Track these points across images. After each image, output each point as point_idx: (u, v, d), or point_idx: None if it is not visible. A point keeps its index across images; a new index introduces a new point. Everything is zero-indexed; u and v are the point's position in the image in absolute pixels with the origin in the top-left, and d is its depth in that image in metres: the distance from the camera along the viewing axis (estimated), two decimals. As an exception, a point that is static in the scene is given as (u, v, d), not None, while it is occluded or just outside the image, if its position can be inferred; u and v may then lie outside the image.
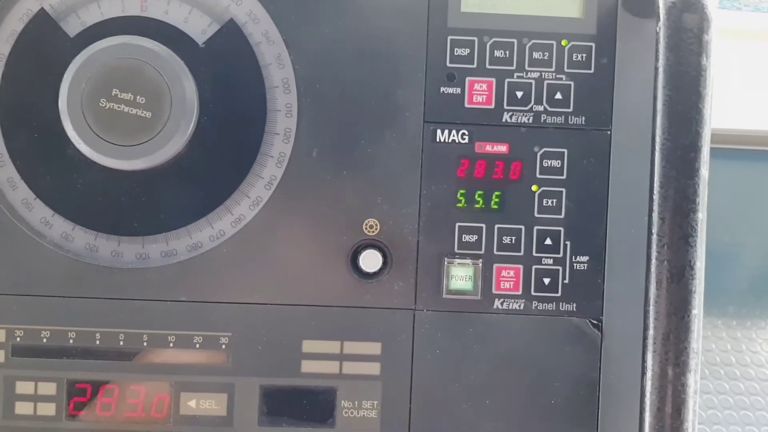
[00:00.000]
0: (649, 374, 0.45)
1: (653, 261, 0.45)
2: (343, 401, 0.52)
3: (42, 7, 0.51)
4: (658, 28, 0.45)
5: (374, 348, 0.52)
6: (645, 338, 0.45)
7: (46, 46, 0.51)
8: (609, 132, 0.52)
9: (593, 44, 0.52)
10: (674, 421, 0.44)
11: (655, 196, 0.45)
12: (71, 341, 0.51)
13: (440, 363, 0.52)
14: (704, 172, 0.45)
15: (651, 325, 0.45)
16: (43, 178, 0.51)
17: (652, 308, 0.45)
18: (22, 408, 0.51)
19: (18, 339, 0.51)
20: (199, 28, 0.51)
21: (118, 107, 0.48)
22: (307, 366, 0.52)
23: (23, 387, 0.51)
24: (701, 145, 0.44)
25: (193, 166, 0.51)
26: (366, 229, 0.52)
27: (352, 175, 0.52)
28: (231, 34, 0.51)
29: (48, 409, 0.51)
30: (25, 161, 0.51)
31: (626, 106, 0.52)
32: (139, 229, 0.52)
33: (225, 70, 0.51)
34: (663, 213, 0.45)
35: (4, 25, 0.52)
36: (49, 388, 0.51)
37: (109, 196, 0.51)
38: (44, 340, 0.51)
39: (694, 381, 0.45)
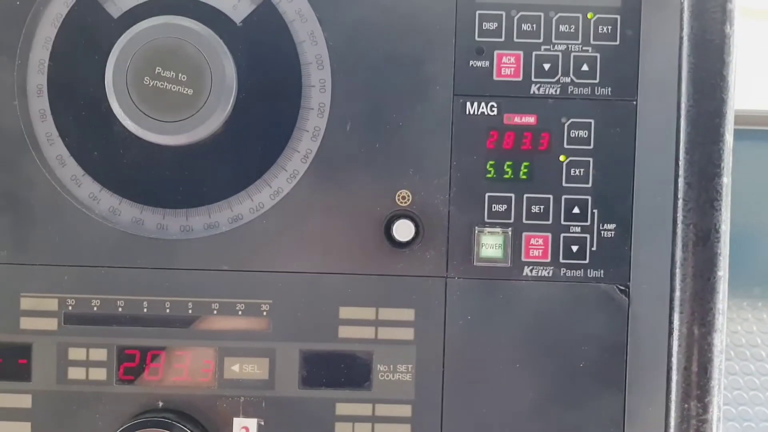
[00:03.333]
0: (675, 335, 0.46)
1: (679, 225, 0.46)
2: (378, 365, 0.54)
3: None
4: (682, -2, 0.47)
5: (408, 314, 0.54)
6: (672, 300, 0.47)
7: (90, 28, 0.53)
8: (635, 102, 0.53)
9: (618, 16, 0.53)
10: (701, 379, 0.46)
11: (681, 162, 0.46)
12: (120, 309, 0.54)
13: (472, 328, 0.54)
14: (729, 137, 0.46)
15: (678, 287, 0.46)
16: (90, 155, 0.54)
17: (678, 271, 0.46)
18: (75, 373, 0.54)
19: (70, 308, 0.54)
20: (237, 7, 0.53)
21: (161, 85, 0.50)
22: (344, 331, 0.54)
23: (75, 353, 0.54)
24: (726, 111, 0.46)
25: (232, 141, 0.53)
26: (399, 200, 0.54)
27: (384, 147, 0.54)
28: (266, 12, 0.53)
29: (99, 374, 0.54)
30: (73, 139, 0.54)
31: (651, 76, 0.53)
32: (182, 202, 0.54)
33: (261, 48, 0.53)
34: (689, 178, 0.46)
35: (49, 9, 0.54)
36: (99, 354, 0.54)
37: (154, 170, 0.54)
38: (95, 309, 0.54)
39: (720, 341, 0.46)
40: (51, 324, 0.54)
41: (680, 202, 0.46)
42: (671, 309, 0.46)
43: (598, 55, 0.53)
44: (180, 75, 0.50)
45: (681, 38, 0.46)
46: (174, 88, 0.50)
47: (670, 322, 0.47)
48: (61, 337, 0.54)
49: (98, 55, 0.52)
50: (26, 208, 0.53)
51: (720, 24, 0.46)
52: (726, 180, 0.46)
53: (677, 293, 0.46)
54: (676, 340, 0.46)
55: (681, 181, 0.46)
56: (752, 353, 1.01)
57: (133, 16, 0.53)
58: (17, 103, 0.53)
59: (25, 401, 0.54)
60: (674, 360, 0.46)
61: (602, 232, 0.54)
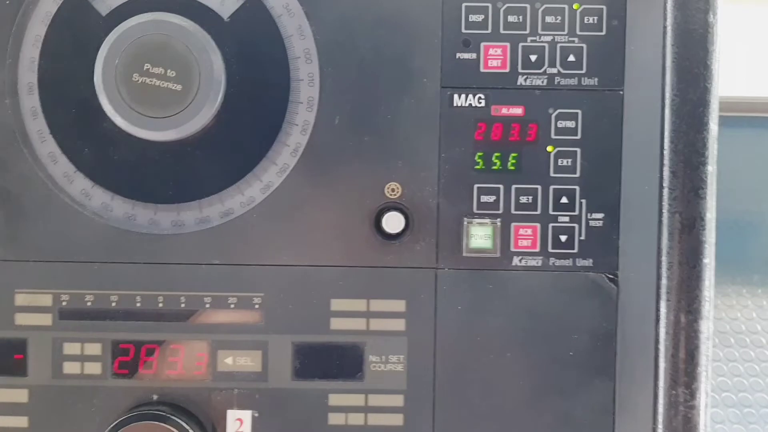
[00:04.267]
0: (662, 322, 0.47)
1: (665, 213, 0.47)
2: (370, 356, 0.55)
3: None
4: (665, -13, 0.47)
5: (399, 305, 0.55)
6: (658, 288, 0.47)
7: (79, 26, 0.53)
8: (621, 92, 0.54)
9: (604, 6, 0.54)
10: (688, 365, 0.46)
11: (666, 151, 0.47)
12: (114, 304, 0.54)
13: (462, 318, 0.54)
14: (713, 126, 0.46)
15: (664, 275, 0.47)
16: (82, 152, 0.54)
17: (665, 259, 0.47)
18: (70, 368, 0.54)
19: (64, 303, 0.54)
20: (224, 3, 0.54)
21: (150, 81, 0.51)
22: (336, 323, 0.55)
23: (70, 348, 0.54)
24: (710, 99, 0.46)
25: (222, 136, 0.54)
26: (388, 192, 0.54)
27: (373, 140, 0.54)
28: (254, 7, 0.54)
29: (94, 368, 0.54)
30: (64, 136, 0.54)
31: (638, 66, 0.53)
32: (174, 198, 0.54)
33: (249, 43, 0.54)
34: (674, 167, 0.46)
35: (39, 8, 0.54)
36: (94, 349, 0.54)
37: (145, 166, 0.54)
38: (88, 304, 0.54)
39: (707, 327, 0.47)
40: (46, 319, 0.54)
41: (666, 191, 0.47)
42: (658, 297, 0.47)
43: (584, 45, 0.54)
44: (168, 71, 0.51)
45: (664, 28, 0.47)
46: (163, 84, 0.51)
47: (657, 310, 0.47)
48: (56, 333, 0.54)
49: (88, 53, 0.53)
50: (19, 205, 0.54)
51: (703, 13, 0.46)
52: (711, 168, 0.46)
53: (664, 281, 0.47)
54: (663, 328, 0.47)
55: (666, 169, 0.47)
56: (752, 340, 1.01)
57: (121, 14, 0.53)
58: (9, 101, 0.54)
59: (21, 396, 0.54)
60: (662, 347, 0.47)
61: (590, 221, 0.54)
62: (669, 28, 0.46)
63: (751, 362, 1.00)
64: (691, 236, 0.46)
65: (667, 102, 0.46)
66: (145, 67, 0.51)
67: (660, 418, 0.47)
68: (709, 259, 0.47)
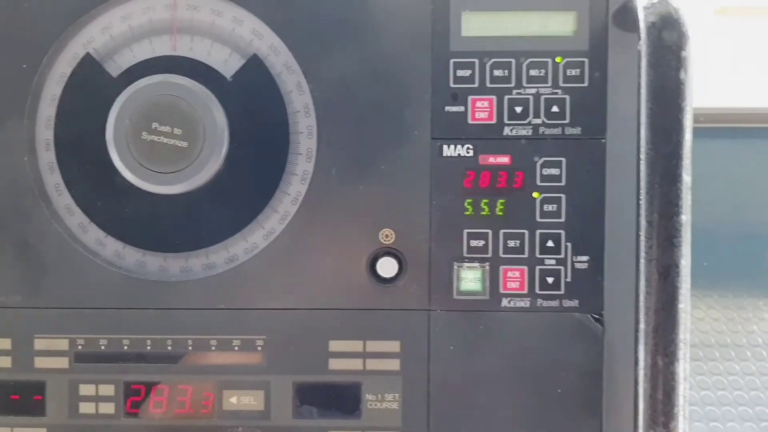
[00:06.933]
0: (641, 365, 0.49)
1: (642, 261, 0.49)
2: (367, 394, 0.57)
3: (87, 52, 0.57)
4: (639, 46, 0.49)
5: (394, 346, 0.57)
6: (637, 332, 0.49)
7: (92, 87, 0.57)
8: (604, 140, 0.56)
9: (586, 59, 0.56)
10: (665, 406, 0.48)
11: (642, 202, 0.49)
12: (126, 348, 0.58)
13: (454, 358, 0.57)
14: (686, 177, 0.49)
15: (642, 319, 0.49)
16: (95, 204, 0.58)
17: (642, 304, 0.49)
18: (86, 408, 0.58)
19: (79, 347, 0.58)
20: (227, 63, 0.57)
21: (158, 139, 0.54)
22: (334, 363, 0.57)
23: (86, 389, 0.58)
24: (682, 153, 0.48)
25: (227, 187, 0.57)
26: (382, 238, 0.57)
27: (368, 189, 0.57)
28: (255, 66, 0.57)
29: (108, 408, 0.58)
30: (79, 190, 0.58)
31: (619, 115, 0.56)
32: (182, 246, 0.58)
33: (251, 100, 0.57)
34: (649, 217, 0.49)
35: (54, 69, 0.58)
36: (108, 390, 0.58)
37: (154, 217, 0.57)
38: (102, 348, 0.58)
39: (682, 369, 0.49)
40: (63, 362, 0.58)
41: (642, 240, 0.49)
42: (636, 340, 0.49)
43: (567, 96, 0.56)
44: (175, 129, 0.54)
45: (639, 84, 0.49)
46: (170, 141, 0.54)
47: (636, 353, 0.49)
48: (72, 375, 0.58)
49: (99, 112, 0.56)
50: (37, 255, 0.57)
51: (675, 71, 0.48)
52: (685, 218, 0.49)
53: (642, 325, 0.49)
54: (642, 370, 0.49)
55: (642, 219, 0.49)
56: (737, 353, 1.02)
57: (131, 75, 0.57)
58: (27, 158, 0.57)
59: None
60: (640, 389, 0.49)
61: (576, 263, 0.57)
62: (643, 85, 0.49)
63: (767, 376, 1.00)
64: (667, 283, 0.49)
65: (642, 155, 0.49)
66: (153, 126, 0.54)
67: (641, 456, 0.49)
68: (684, 305, 0.49)
